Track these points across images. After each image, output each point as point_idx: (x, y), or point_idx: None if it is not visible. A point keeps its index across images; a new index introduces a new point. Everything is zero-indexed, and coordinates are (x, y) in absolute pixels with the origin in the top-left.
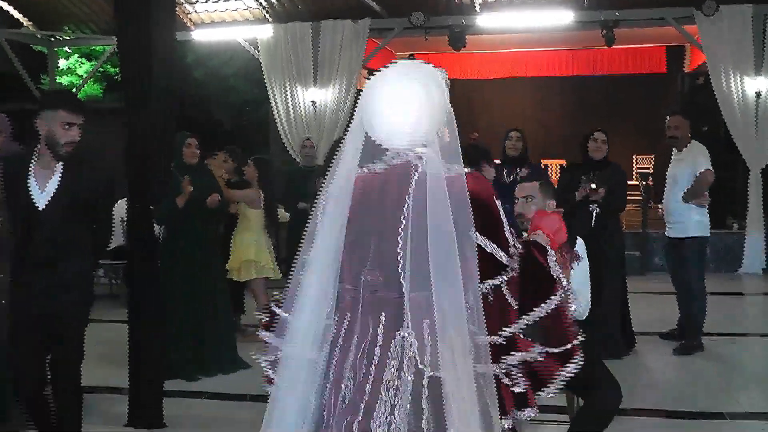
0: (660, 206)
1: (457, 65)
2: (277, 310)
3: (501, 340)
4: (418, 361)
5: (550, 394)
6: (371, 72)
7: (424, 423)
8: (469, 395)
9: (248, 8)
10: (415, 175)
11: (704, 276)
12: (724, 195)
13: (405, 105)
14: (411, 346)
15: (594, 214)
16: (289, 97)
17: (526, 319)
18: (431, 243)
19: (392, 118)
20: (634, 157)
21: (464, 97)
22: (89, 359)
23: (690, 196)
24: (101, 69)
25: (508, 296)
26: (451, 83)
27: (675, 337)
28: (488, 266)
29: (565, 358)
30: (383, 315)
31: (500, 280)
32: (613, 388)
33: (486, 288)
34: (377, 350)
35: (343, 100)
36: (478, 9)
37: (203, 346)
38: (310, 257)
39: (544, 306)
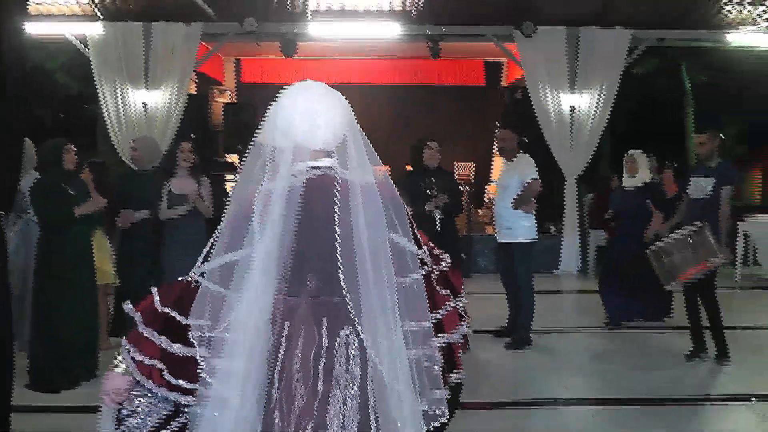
0: (479, 211)
1: (287, 71)
2: (199, 323)
3: (429, 324)
4: (364, 355)
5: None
6: (201, 76)
7: (370, 411)
8: (404, 379)
9: (78, 2)
10: (337, 186)
11: (532, 276)
12: (543, 201)
13: (324, 109)
14: (354, 342)
15: (438, 220)
16: (119, 97)
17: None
18: (359, 247)
19: (317, 121)
20: (456, 164)
21: None
22: None
23: (519, 203)
24: None
25: (436, 286)
26: (278, 89)
27: (505, 333)
28: (407, 261)
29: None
30: (325, 318)
31: (420, 273)
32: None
33: (411, 281)
34: (323, 351)
35: (174, 104)
36: (309, 17)
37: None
38: (239, 269)
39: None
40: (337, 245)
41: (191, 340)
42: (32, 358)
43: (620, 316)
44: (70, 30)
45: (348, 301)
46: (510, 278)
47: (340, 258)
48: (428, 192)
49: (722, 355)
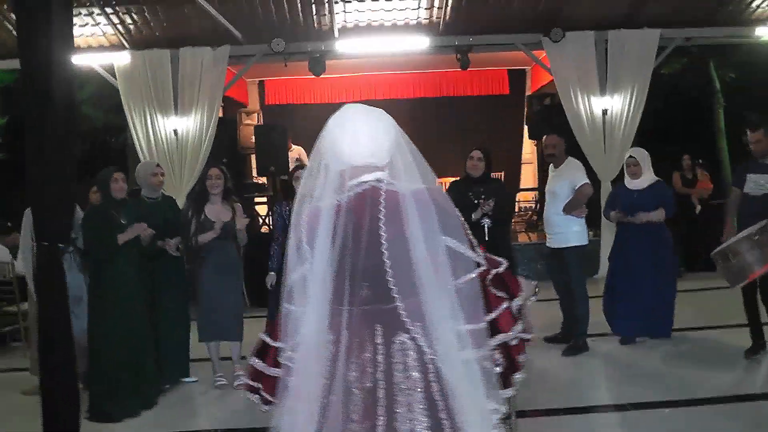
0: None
1: (312, 90)
2: (276, 343)
3: (484, 324)
4: (421, 360)
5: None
6: (227, 99)
7: (440, 414)
8: (468, 380)
9: (104, 34)
10: (382, 194)
11: (585, 281)
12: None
13: (367, 126)
14: (411, 348)
15: (486, 228)
16: (149, 125)
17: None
18: (410, 253)
19: (361, 139)
20: None
21: (320, 120)
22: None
23: (570, 209)
24: None
25: (491, 287)
26: (303, 109)
27: (559, 339)
28: (461, 264)
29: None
30: (378, 326)
31: (475, 274)
32: None
33: (465, 283)
34: (380, 358)
35: (205, 128)
36: (336, 35)
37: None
38: (299, 286)
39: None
40: (383, 250)
41: (282, 362)
42: (90, 389)
43: (627, 330)
44: (97, 61)
45: (400, 306)
46: (563, 284)
47: (388, 264)
48: (476, 201)
49: None
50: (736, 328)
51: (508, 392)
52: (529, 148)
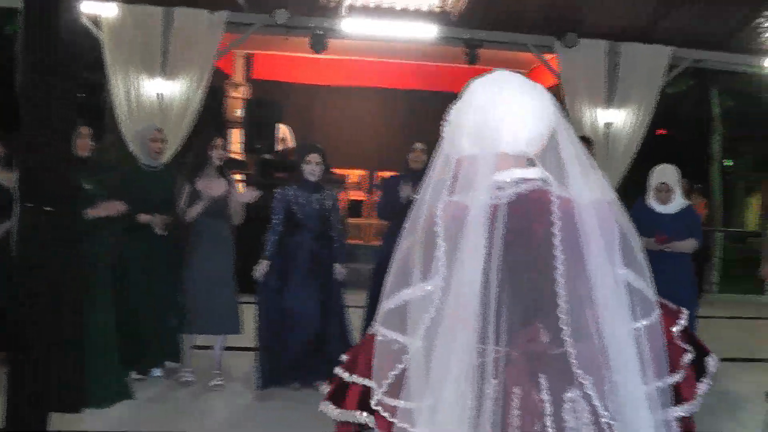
0: None
1: (305, 69)
2: (399, 403)
3: (668, 381)
4: (597, 422)
5: None
6: (218, 71)
7: None
8: None
9: None
10: (554, 202)
11: None
12: None
13: (525, 103)
14: (585, 408)
15: None
16: (132, 85)
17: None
18: (586, 284)
19: (514, 116)
20: None
21: (313, 101)
22: None
23: None
24: None
25: (677, 339)
26: (299, 88)
27: None
28: (639, 304)
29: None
30: (543, 376)
31: (655, 317)
32: None
33: (645, 328)
34: (548, 422)
35: (192, 95)
36: (343, 12)
37: None
38: (417, 309)
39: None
40: (557, 276)
41: (373, 407)
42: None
43: None
44: (83, 10)
45: (571, 352)
46: None
47: (562, 297)
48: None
49: None
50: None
51: None
52: None
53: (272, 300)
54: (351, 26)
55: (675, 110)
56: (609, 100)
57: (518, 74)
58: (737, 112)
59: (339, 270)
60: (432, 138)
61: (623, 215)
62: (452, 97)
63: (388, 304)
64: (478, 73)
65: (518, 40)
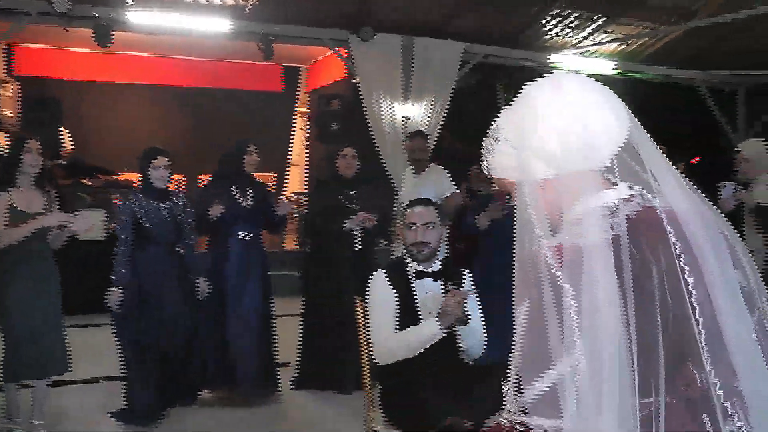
0: None
1: (77, 65)
2: None
3: None
4: None
5: None
6: None
7: None
8: None
9: None
10: (663, 218)
11: None
12: None
13: (606, 109)
14: None
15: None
16: None
17: None
18: (715, 304)
19: (597, 125)
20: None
21: (97, 100)
22: None
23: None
24: None
25: None
26: (66, 84)
27: None
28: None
29: None
30: (705, 417)
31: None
32: None
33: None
34: None
35: None
36: (130, 2)
37: None
38: (570, 386)
39: None
40: (694, 303)
41: None
42: None
43: None
44: None
45: (718, 387)
46: None
47: (700, 323)
48: (349, 206)
49: None
50: None
51: None
52: (298, 150)
53: (131, 329)
54: (138, 18)
55: (467, 104)
56: (406, 95)
57: (581, 75)
58: None
59: (201, 285)
60: (222, 138)
61: (720, 217)
62: (249, 94)
63: (534, 391)
64: (274, 70)
65: (314, 34)
